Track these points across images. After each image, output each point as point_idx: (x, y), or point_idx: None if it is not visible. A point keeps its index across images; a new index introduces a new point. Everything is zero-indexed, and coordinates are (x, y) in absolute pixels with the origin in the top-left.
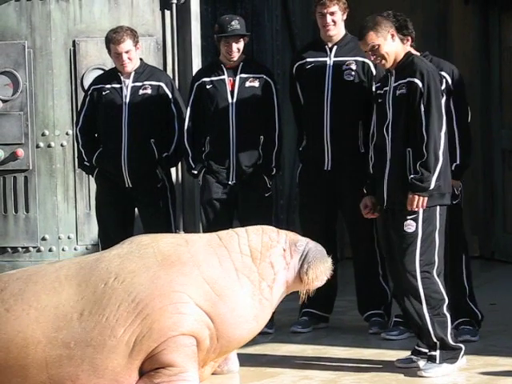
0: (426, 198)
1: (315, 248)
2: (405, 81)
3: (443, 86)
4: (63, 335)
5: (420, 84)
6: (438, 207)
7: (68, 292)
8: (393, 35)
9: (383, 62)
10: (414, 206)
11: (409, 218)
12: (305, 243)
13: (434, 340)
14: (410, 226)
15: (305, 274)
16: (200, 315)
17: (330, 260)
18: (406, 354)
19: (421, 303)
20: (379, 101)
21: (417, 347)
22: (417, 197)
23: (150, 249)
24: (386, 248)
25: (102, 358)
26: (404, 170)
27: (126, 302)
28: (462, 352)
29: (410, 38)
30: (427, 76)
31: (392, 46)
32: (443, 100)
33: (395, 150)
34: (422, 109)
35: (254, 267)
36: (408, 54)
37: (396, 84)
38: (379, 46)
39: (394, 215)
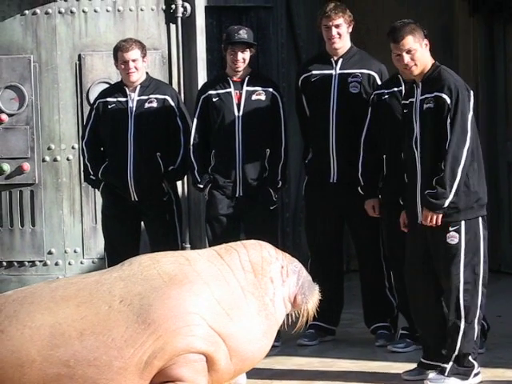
0: (440, 215)
1: (307, 276)
2: (432, 95)
3: (471, 100)
4: (60, 353)
5: (448, 100)
6: (480, 218)
7: (65, 312)
8: (426, 44)
9: (413, 68)
10: (428, 222)
11: (451, 229)
12: (299, 266)
13: (456, 353)
14: (452, 237)
15: (304, 303)
16: (212, 336)
17: (318, 290)
18: (412, 366)
19: (459, 317)
20: (405, 111)
21: (423, 360)
22: (431, 214)
23: (154, 270)
24: (409, 261)
25: (107, 379)
26: None
27: (136, 323)
28: (475, 371)
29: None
30: (455, 91)
31: (424, 54)
32: (470, 115)
33: (426, 165)
34: (448, 125)
35: (256, 283)
36: (435, 66)
37: (423, 97)
38: (415, 51)
39: (432, 229)
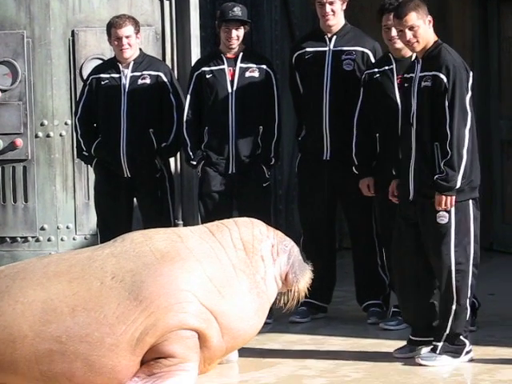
0: (453, 197)
1: (299, 255)
2: (430, 73)
3: (470, 81)
4: (52, 329)
5: (445, 79)
6: (470, 200)
7: (57, 287)
8: (430, 21)
9: (415, 44)
10: (443, 206)
11: (441, 209)
12: (290, 244)
13: (448, 333)
14: (442, 217)
15: (295, 283)
16: (204, 313)
17: (310, 269)
18: (403, 344)
19: (451, 296)
20: (405, 85)
21: (412, 337)
22: (444, 197)
23: (146, 247)
24: (396, 240)
25: (98, 356)
26: (433, 163)
27: (128, 299)
28: (467, 348)
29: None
30: (453, 71)
31: (427, 31)
32: (468, 96)
33: (421, 143)
34: (447, 105)
35: (248, 261)
36: (437, 43)
37: (422, 74)
38: (418, 28)
39: (423, 207)
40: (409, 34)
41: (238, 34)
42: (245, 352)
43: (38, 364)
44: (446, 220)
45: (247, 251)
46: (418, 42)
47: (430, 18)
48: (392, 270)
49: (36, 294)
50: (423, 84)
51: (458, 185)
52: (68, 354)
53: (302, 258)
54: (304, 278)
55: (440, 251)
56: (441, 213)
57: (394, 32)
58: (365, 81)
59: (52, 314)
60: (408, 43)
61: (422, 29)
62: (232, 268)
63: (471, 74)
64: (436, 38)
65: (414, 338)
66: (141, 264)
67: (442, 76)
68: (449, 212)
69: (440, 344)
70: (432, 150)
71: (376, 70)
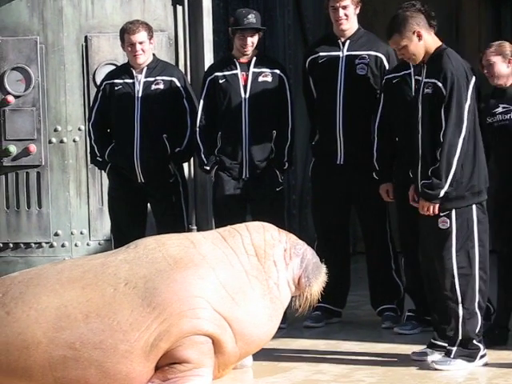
0: (436, 205)
1: (313, 258)
2: (431, 81)
3: (470, 89)
4: (66, 335)
5: (442, 87)
6: (473, 205)
7: (70, 294)
8: (419, 35)
9: (412, 59)
10: (426, 212)
11: (442, 214)
12: (303, 248)
13: (460, 337)
14: (443, 222)
15: (308, 286)
16: (218, 319)
17: (324, 272)
18: (418, 348)
19: (457, 301)
20: (416, 87)
21: (433, 340)
22: (427, 203)
23: (159, 253)
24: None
25: (113, 362)
26: None
27: (141, 306)
28: (481, 353)
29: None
30: (451, 79)
31: (418, 45)
32: (467, 104)
33: (425, 148)
34: (443, 113)
35: (260, 266)
36: (440, 49)
37: (425, 81)
38: (406, 46)
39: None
40: (400, 54)
41: (252, 40)
42: (259, 357)
43: (52, 370)
44: (447, 225)
45: (259, 257)
46: (413, 56)
47: (418, 29)
48: (409, 275)
49: (50, 301)
50: (425, 91)
51: (442, 194)
52: (82, 361)
53: (317, 260)
54: (317, 282)
55: (442, 256)
56: (442, 218)
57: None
58: (384, 86)
59: (66, 321)
60: (407, 60)
61: (411, 46)
62: (245, 274)
63: (473, 81)
64: (439, 44)
65: (434, 342)
66: (154, 270)
67: (440, 84)
68: (449, 217)
69: (454, 348)
70: (434, 156)
71: (395, 74)
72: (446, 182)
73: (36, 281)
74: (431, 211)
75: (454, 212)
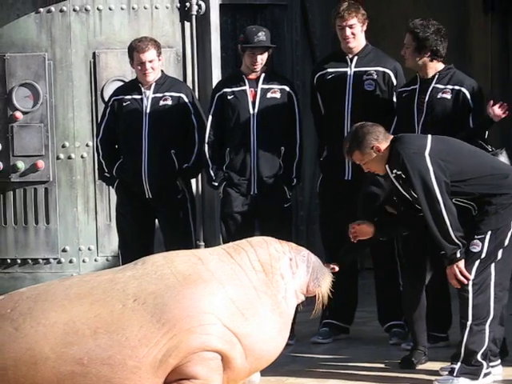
0: (462, 262)
1: (316, 261)
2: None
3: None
4: (74, 351)
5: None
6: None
7: (79, 309)
8: (378, 149)
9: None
10: (456, 280)
11: (476, 237)
12: (307, 253)
13: (463, 352)
14: (475, 245)
15: (317, 288)
16: (227, 335)
17: (329, 271)
18: (426, 364)
19: (467, 315)
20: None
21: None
22: (453, 268)
23: (167, 269)
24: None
25: (121, 378)
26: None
27: (150, 322)
28: (485, 370)
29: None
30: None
31: (378, 157)
32: (430, 178)
33: None
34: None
35: (268, 282)
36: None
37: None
38: (366, 163)
39: None
40: (366, 167)
41: (262, 58)
42: (267, 373)
43: None
44: (478, 249)
45: (266, 272)
46: (375, 173)
47: (377, 144)
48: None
49: (58, 316)
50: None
51: (459, 253)
52: (90, 377)
53: (320, 261)
54: (325, 281)
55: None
56: (475, 241)
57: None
58: (397, 99)
59: (74, 336)
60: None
61: (372, 162)
62: (254, 290)
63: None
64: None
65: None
66: (163, 286)
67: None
68: (483, 241)
69: (457, 366)
70: None
71: (406, 88)
72: (451, 240)
73: (44, 296)
74: (463, 275)
75: (488, 235)
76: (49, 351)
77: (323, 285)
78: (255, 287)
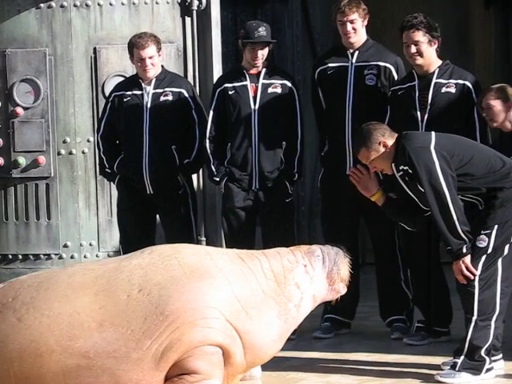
0: (468, 258)
1: (329, 250)
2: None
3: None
4: (79, 344)
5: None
6: None
7: (83, 300)
8: (385, 145)
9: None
10: (462, 274)
11: (483, 232)
12: (320, 250)
13: (466, 347)
14: (482, 240)
15: (338, 275)
16: (229, 330)
17: (343, 253)
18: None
19: (472, 310)
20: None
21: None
22: (459, 263)
23: (175, 260)
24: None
25: (124, 370)
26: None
27: (154, 314)
28: (488, 366)
29: (436, 41)
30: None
31: (385, 154)
32: (437, 171)
33: None
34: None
35: (279, 291)
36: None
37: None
38: (373, 161)
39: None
40: (373, 166)
41: (263, 53)
42: (268, 368)
43: (65, 379)
44: (484, 244)
45: (278, 282)
46: (381, 171)
47: (383, 140)
48: (416, 286)
49: (62, 307)
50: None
51: (465, 248)
52: (95, 369)
53: (332, 249)
54: (344, 265)
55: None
56: (481, 236)
57: (413, 49)
58: (390, 98)
59: (79, 329)
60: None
61: (378, 158)
62: (262, 293)
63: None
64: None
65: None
66: (169, 277)
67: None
68: (489, 236)
69: (460, 360)
70: None
71: (401, 86)
72: (458, 234)
73: (46, 285)
74: (469, 269)
75: (495, 230)
76: (54, 344)
77: (342, 269)
78: (264, 291)
